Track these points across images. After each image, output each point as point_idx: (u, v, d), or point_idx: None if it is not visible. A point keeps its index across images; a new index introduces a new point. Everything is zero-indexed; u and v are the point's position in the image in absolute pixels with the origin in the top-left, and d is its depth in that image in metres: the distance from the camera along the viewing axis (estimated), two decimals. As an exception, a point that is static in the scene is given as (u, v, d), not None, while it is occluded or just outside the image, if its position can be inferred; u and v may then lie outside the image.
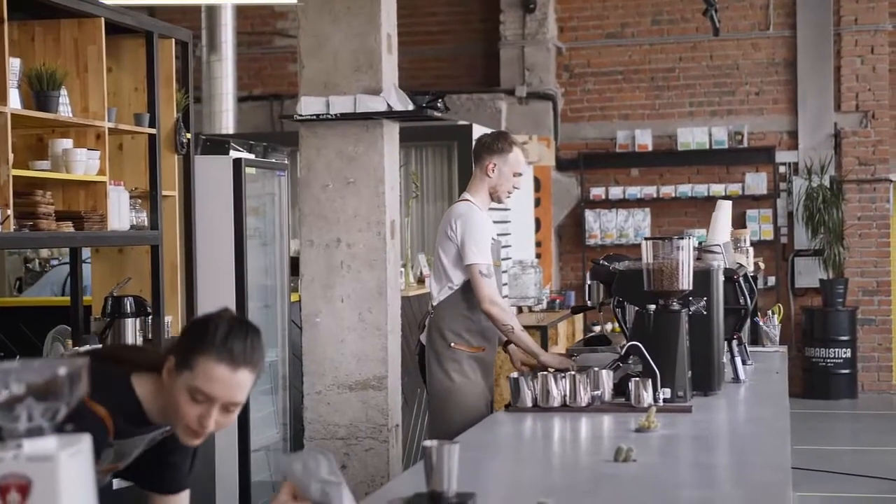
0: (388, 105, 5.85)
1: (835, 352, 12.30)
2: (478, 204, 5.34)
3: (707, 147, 12.79)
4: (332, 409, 5.81)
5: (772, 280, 12.61)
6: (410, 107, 5.90)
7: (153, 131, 5.63)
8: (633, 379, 4.28)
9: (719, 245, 5.16)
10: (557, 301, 11.02)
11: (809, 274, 12.64)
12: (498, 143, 5.38)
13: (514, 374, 4.43)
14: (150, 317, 5.61)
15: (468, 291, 5.29)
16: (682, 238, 4.46)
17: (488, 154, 5.36)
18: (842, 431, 11.14)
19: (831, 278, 12.42)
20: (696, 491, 3.08)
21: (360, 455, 5.79)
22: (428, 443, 2.78)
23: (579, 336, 11.00)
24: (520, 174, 5.40)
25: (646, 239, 4.52)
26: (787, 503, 2.83)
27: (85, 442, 1.79)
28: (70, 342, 5.48)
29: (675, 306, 4.44)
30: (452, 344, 5.27)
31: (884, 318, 12.68)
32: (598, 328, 12.45)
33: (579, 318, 11.10)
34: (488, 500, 2.87)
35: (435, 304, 5.36)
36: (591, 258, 12.78)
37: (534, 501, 2.65)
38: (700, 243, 5.39)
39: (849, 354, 12.32)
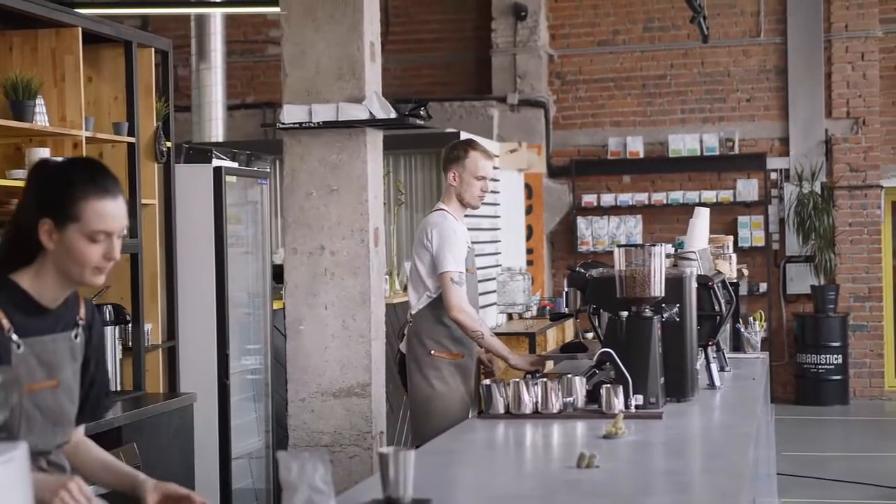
0: (371, 113, 5.87)
1: (826, 358, 12.30)
2: (452, 212, 5.46)
3: (698, 154, 12.81)
4: (315, 416, 5.83)
5: (763, 286, 12.63)
6: (393, 115, 5.92)
7: (132, 140, 5.66)
8: (604, 385, 4.29)
9: (694, 252, 5.17)
10: (548, 308, 11.03)
11: (801, 280, 12.64)
12: (454, 151, 5.55)
13: (487, 381, 4.44)
14: (129, 325, 5.63)
15: None
16: (654, 245, 4.48)
17: (447, 164, 5.54)
18: (833, 437, 11.14)
19: (823, 284, 12.42)
20: (652, 497, 3.10)
21: (344, 462, 5.80)
22: (383, 450, 2.80)
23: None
24: (483, 177, 5.50)
25: (618, 246, 4.54)
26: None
27: (20, 450, 1.81)
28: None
29: (648, 313, 4.46)
30: (432, 352, 5.39)
31: (875, 324, 12.69)
32: (590, 335, 12.45)
33: (570, 324, 11.11)
34: (445, 507, 2.88)
35: (413, 312, 5.48)
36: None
37: (489, 508, 2.67)
38: (676, 250, 5.41)
39: (840, 360, 12.32)
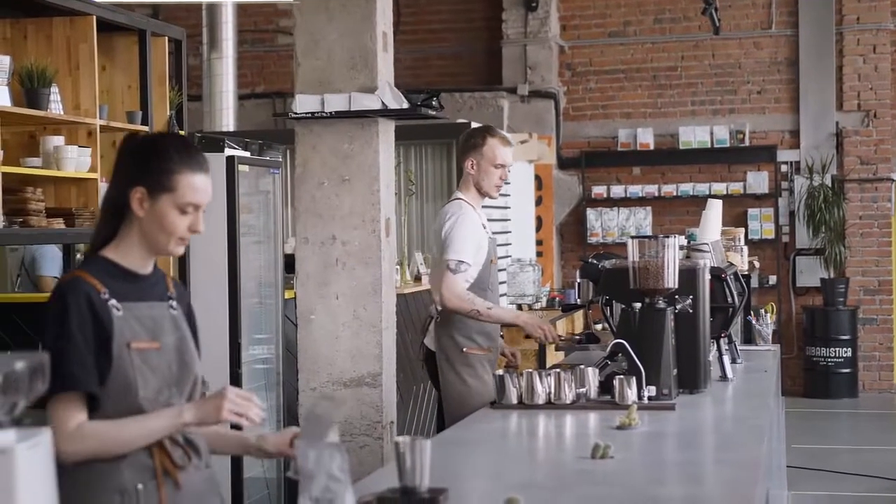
0: (383, 103, 5.87)
1: (836, 351, 12.30)
2: (469, 202, 5.35)
3: (709, 146, 12.79)
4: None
5: (773, 279, 12.61)
6: (405, 105, 5.92)
7: (146, 129, 5.66)
8: (617, 377, 4.29)
9: (707, 244, 5.17)
10: (558, 299, 11.02)
11: (811, 273, 12.64)
12: (472, 138, 5.40)
13: (500, 372, 4.45)
14: (142, 313, 5.63)
15: (475, 292, 5.27)
16: (668, 237, 4.47)
17: (464, 152, 5.40)
18: (841, 430, 11.15)
19: (832, 277, 12.41)
20: (667, 488, 3.10)
21: (354, 452, 5.80)
22: (400, 439, 2.80)
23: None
24: (501, 165, 5.36)
25: (632, 237, 4.53)
26: (755, 499, 2.84)
27: (44, 435, 1.82)
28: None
29: (661, 304, 4.45)
30: (465, 349, 5.27)
31: (885, 317, 12.67)
32: (599, 326, 12.45)
33: (580, 315, 11.12)
34: (461, 496, 2.89)
35: (440, 308, 5.33)
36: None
37: (504, 497, 2.67)
38: (689, 241, 5.40)
39: (850, 354, 12.32)
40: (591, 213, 12.99)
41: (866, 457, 9.47)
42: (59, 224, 5.00)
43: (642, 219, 12.90)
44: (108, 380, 2.74)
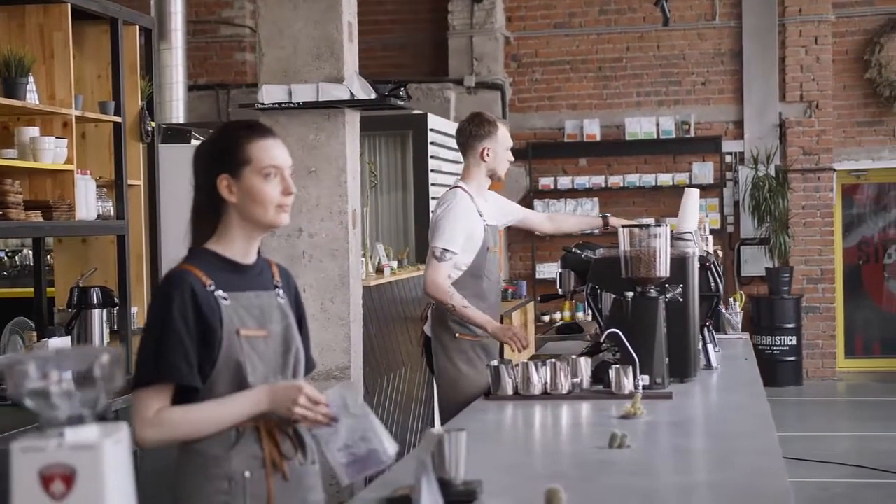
0: (351, 93, 5.82)
1: (780, 339, 12.44)
2: (471, 191, 5.34)
3: (654, 137, 12.87)
4: (295, 399, 5.77)
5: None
6: (373, 95, 5.88)
7: (118, 119, 5.55)
8: (613, 366, 4.29)
9: (691, 232, 5.19)
10: (510, 291, 11.04)
11: (755, 262, 12.77)
12: (484, 127, 5.38)
13: (495, 362, 4.43)
14: (116, 308, 5.53)
15: (469, 279, 5.26)
16: (659, 225, 4.48)
17: (478, 141, 5.37)
18: (788, 418, 11.24)
19: (777, 267, 12.56)
20: (695, 475, 3.10)
21: (323, 445, 5.75)
22: (436, 430, 2.77)
23: (532, 325, 11.04)
24: (510, 147, 5.46)
25: (623, 226, 4.53)
26: (787, 488, 2.85)
27: (124, 430, 1.77)
28: (34, 334, 5.38)
29: (653, 293, 4.46)
30: (457, 335, 5.30)
31: (828, 305, 12.85)
32: (547, 318, 12.49)
33: (531, 307, 11.15)
34: (492, 488, 2.86)
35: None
36: (539, 248, 12.86)
37: (539, 488, 2.65)
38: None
39: (794, 342, 12.47)
40: (538, 205, 13.00)
41: (814, 443, 9.58)
42: (36, 217, 4.89)
43: (589, 210, 12.94)
44: (218, 366, 2.78)
